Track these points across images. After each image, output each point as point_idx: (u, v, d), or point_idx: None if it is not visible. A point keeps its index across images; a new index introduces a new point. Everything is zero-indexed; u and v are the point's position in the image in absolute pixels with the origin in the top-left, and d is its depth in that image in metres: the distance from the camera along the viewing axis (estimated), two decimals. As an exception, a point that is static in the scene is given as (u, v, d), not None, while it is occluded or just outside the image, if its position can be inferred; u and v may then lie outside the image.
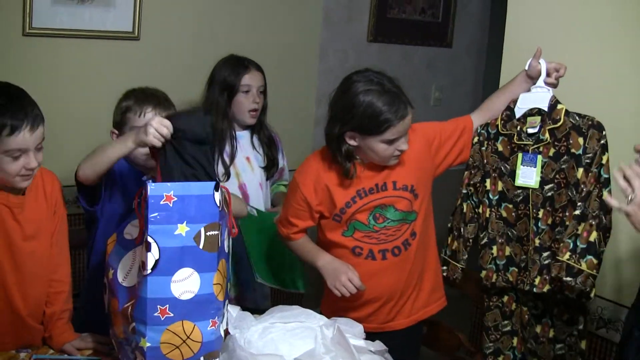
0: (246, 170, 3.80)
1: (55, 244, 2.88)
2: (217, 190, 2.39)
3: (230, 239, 2.63)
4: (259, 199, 3.84)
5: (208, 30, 4.51)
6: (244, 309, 3.21)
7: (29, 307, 2.77)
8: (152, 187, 2.33)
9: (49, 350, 2.73)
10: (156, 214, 2.32)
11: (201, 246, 2.35)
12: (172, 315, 2.32)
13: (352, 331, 2.70)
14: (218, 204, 2.38)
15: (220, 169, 3.63)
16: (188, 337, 2.35)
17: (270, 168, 3.88)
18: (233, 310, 2.71)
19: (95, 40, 4.12)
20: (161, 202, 2.32)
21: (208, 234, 2.36)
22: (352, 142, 3.00)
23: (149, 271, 2.31)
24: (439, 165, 3.24)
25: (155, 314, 2.31)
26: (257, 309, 3.65)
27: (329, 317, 2.87)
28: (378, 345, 2.71)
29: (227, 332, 2.56)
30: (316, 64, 5.08)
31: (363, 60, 5.33)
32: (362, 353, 2.59)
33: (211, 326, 2.38)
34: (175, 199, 2.33)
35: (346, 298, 3.10)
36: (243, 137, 3.82)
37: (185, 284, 2.33)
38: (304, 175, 3.16)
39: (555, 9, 3.54)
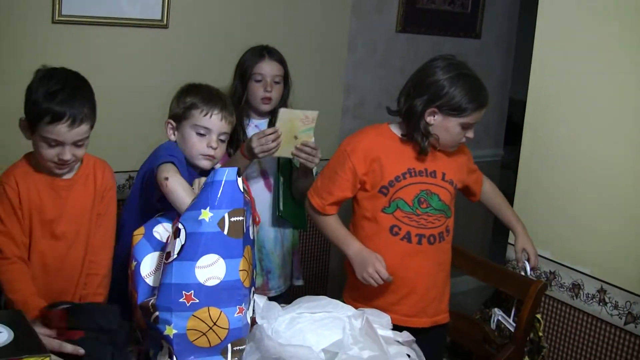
0: (266, 159, 3.75)
1: (101, 226, 2.93)
2: (239, 176, 2.39)
3: (254, 227, 2.62)
4: (276, 184, 3.85)
5: (237, 19, 4.50)
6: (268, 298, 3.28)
7: (62, 287, 2.82)
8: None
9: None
10: None
11: (226, 232, 2.34)
12: (197, 301, 2.31)
13: (380, 322, 2.69)
14: (242, 190, 2.38)
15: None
16: (215, 324, 2.34)
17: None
18: (260, 300, 2.71)
19: (124, 29, 4.11)
20: None
21: (232, 219, 2.35)
22: (431, 120, 3.09)
23: (175, 256, 2.31)
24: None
25: (181, 300, 2.30)
26: (280, 296, 3.76)
27: (351, 303, 2.89)
28: (406, 335, 2.70)
29: (254, 321, 2.56)
30: (344, 54, 5.06)
31: (392, 51, 5.32)
32: (389, 344, 2.58)
33: (238, 313, 2.37)
34: (198, 184, 2.34)
35: (370, 288, 3.13)
36: (262, 125, 3.81)
37: (211, 270, 2.33)
38: (354, 144, 3.22)
39: (587, 2, 3.51)
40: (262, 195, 3.76)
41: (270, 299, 3.02)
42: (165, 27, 4.23)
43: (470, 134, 3.12)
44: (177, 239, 2.32)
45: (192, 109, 3.03)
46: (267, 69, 3.72)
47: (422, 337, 2.84)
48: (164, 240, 2.56)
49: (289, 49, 3.88)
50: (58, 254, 2.80)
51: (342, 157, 3.21)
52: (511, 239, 3.80)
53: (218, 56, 4.38)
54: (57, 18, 3.88)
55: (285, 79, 3.80)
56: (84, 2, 3.95)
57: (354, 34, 5.12)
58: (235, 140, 3.67)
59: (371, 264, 3.09)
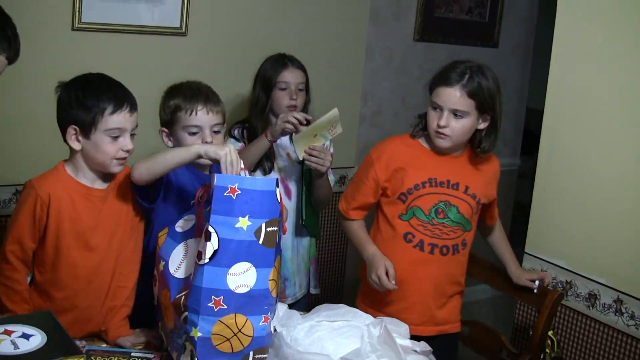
0: (287, 166, 3.84)
1: (131, 239, 2.93)
2: (277, 187, 2.41)
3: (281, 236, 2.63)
4: (298, 194, 3.88)
5: (255, 27, 4.52)
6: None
7: (91, 299, 2.82)
8: (218, 178, 2.36)
9: (102, 344, 2.74)
10: (219, 205, 2.35)
11: (261, 241, 2.37)
12: (225, 307, 2.34)
13: (398, 330, 2.71)
14: (279, 201, 2.40)
15: (264, 164, 3.74)
16: (239, 331, 2.36)
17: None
18: (280, 308, 2.72)
19: (143, 36, 4.14)
20: (225, 194, 2.35)
21: (268, 229, 2.38)
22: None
23: (206, 260, 2.32)
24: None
25: (209, 304, 2.33)
26: (295, 303, 3.81)
27: (362, 309, 2.95)
28: (423, 345, 2.71)
29: (274, 329, 2.58)
30: (362, 62, 5.07)
31: (409, 59, 5.33)
32: (407, 353, 2.59)
33: (263, 321, 2.39)
34: (240, 192, 2.36)
35: (382, 293, 3.20)
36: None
37: (242, 277, 2.35)
38: (379, 152, 3.32)
39: (606, 9, 3.50)
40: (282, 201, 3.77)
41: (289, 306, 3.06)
42: (184, 34, 4.25)
43: (442, 121, 3.12)
44: (209, 243, 2.33)
45: (177, 112, 3.03)
46: (291, 77, 3.77)
47: (431, 345, 2.84)
48: (186, 230, 2.58)
49: (307, 56, 3.91)
50: (90, 265, 2.79)
51: (368, 164, 3.31)
52: (528, 249, 3.81)
53: (236, 64, 4.40)
54: (77, 25, 3.90)
55: (308, 86, 3.85)
56: (103, 9, 3.98)
57: (372, 42, 5.13)
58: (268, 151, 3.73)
59: (377, 269, 3.14)
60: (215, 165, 2.68)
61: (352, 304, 3.21)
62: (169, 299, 2.49)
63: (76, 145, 2.72)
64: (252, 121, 3.81)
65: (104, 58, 4.01)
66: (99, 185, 2.82)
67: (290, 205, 3.84)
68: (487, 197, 3.29)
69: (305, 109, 3.85)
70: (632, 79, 3.37)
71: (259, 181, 2.41)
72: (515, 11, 5.85)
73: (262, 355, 2.43)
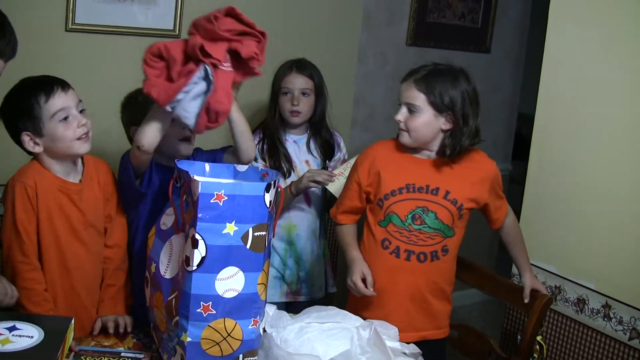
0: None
1: (115, 227, 3.02)
2: (267, 192, 2.40)
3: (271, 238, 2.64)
4: (318, 200, 3.97)
5: (248, 30, 4.53)
6: (298, 303, 3.66)
7: (86, 288, 2.88)
8: (203, 185, 2.34)
9: (92, 342, 2.74)
10: (205, 212, 2.34)
11: (248, 246, 2.37)
12: (214, 312, 2.35)
13: (388, 333, 2.72)
14: (268, 205, 2.40)
15: (283, 168, 3.83)
16: (229, 335, 2.37)
17: None
18: (270, 309, 2.73)
19: (137, 37, 4.13)
20: (211, 201, 2.34)
21: (256, 234, 2.38)
22: None
23: (194, 268, 2.32)
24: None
25: (198, 310, 2.34)
26: (313, 301, 3.89)
27: (353, 312, 2.93)
28: (412, 348, 2.72)
29: (263, 331, 2.59)
30: (355, 66, 5.08)
31: (402, 63, 5.32)
32: (396, 355, 2.60)
33: (252, 325, 2.40)
34: (226, 198, 2.34)
35: (363, 299, 3.21)
36: (300, 142, 3.95)
37: (230, 282, 2.36)
38: (362, 157, 3.34)
39: (598, 16, 3.52)
40: (302, 208, 3.89)
41: (301, 304, 3.11)
42: (178, 36, 4.25)
43: (399, 115, 3.17)
44: (196, 250, 2.33)
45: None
46: (294, 82, 3.83)
47: (425, 347, 2.86)
48: (169, 226, 2.59)
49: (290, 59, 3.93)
50: (77, 253, 2.84)
51: (353, 169, 3.33)
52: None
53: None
54: (70, 26, 3.91)
55: (318, 91, 3.89)
56: (97, 11, 3.98)
57: (364, 47, 5.14)
58: (275, 152, 3.83)
59: (353, 274, 3.18)
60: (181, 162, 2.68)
61: (344, 303, 3.25)
62: (162, 302, 2.50)
63: (37, 149, 2.76)
64: (268, 124, 3.90)
65: (98, 59, 4.02)
66: (73, 178, 2.86)
67: (309, 210, 3.93)
68: (475, 201, 3.24)
69: (316, 113, 3.92)
70: (622, 85, 3.39)
71: (246, 186, 2.40)
72: (508, 17, 5.86)
73: (252, 358, 2.45)
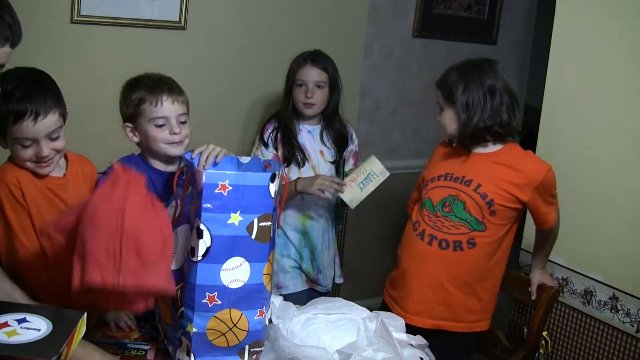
0: (321, 164, 3.93)
1: None
2: (272, 182, 2.38)
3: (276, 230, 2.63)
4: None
5: (253, 22, 4.51)
6: (314, 292, 3.72)
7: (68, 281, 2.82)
8: (207, 175, 2.33)
9: (97, 334, 2.73)
10: (210, 202, 2.32)
11: (253, 236, 2.35)
12: (220, 303, 2.34)
13: (394, 324, 2.71)
14: (273, 196, 2.38)
15: (297, 157, 3.87)
16: (235, 325, 2.36)
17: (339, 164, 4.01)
18: (276, 300, 2.73)
19: (142, 29, 4.12)
20: (216, 191, 2.33)
21: (261, 224, 2.37)
22: None
23: (199, 258, 2.32)
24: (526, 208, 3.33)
25: (204, 301, 2.33)
26: (327, 292, 3.99)
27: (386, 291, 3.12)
28: (419, 339, 2.71)
29: (269, 322, 2.58)
30: (361, 58, 5.07)
31: (408, 55, 5.33)
32: (403, 346, 2.59)
33: (258, 316, 2.39)
34: (230, 188, 2.33)
35: (392, 275, 3.45)
36: (314, 132, 3.96)
37: (235, 272, 2.35)
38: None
39: (605, 8, 3.51)
40: (316, 199, 3.86)
41: (316, 294, 3.14)
42: (183, 28, 4.25)
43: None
44: (201, 240, 2.32)
45: (141, 105, 2.92)
46: (308, 74, 3.83)
47: (430, 339, 2.81)
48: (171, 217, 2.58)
49: (304, 51, 3.91)
50: (55, 250, 2.77)
51: None
52: (525, 245, 3.82)
53: (235, 58, 4.40)
54: (75, 18, 3.89)
55: (332, 84, 3.90)
56: (102, 2, 3.97)
57: (371, 39, 5.13)
58: (288, 143, 3.85)
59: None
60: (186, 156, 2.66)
61: (350, 294, 3.26)
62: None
63: (3, 145, 2.68)
64: (281, 115, 3.92)
65: (103, 52, 4.01)
66: (56, 173, 2.78)
67: (323, 202, 3.91)
68: (509, 200, 3.20)
69: (330, 106, 3.93)
70: (629, 77, 3.38)
71: (251, 176, 2.37)
72: (515, 8, 5.84)
73: (258, 349, 2.43)
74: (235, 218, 2.34)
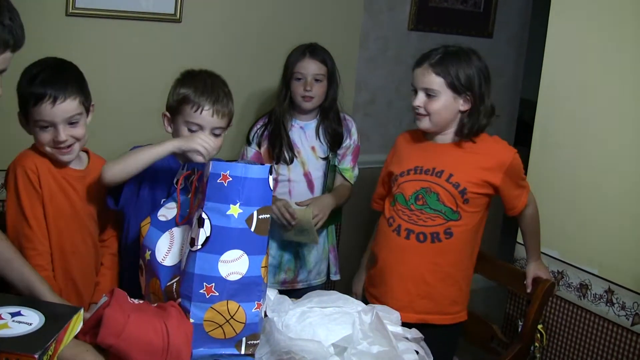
0: (311, 159, 3.90)
1: (110, 217, 3.03)
2: (271, 174, 2.40)
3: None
4: (322, 187, 3.95)
5: (249, 14, 4.50)
6: (295, 291, 3.63)
7: (81, 274, 2.88)
8: (214, 165, 2.36)
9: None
10: (212, 192, 2.35)
11: (253, 229, 2.36)
12: (217, 294, 2.34)
13: (389, 317, 2.71)
14: (272, 187, 2.40)
15: (285, 155, 3.82)
16: (232, 317, 2.35)
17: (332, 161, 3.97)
18: (271, 294, 2.72)
19: (138, 22, 4.11)
20: (218, 181, 2.35)
21: (260, 217, 2.37)
22: None
23: (199, 247, 2.32)
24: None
25: (201, 291, 2.33)
26: (310, 287, 3.91)
27: (366, 289, 3.11)
28: (414, 332, 2.71)
29: (264, 315, 2.58)
30: (356, 51, 5.06)
31: (403, 48, 5.31)
32: (398, 340, 2.59)
33: (256, 308, 2.38)
34: (231, 179, 2.34)
35: (370, 273, 3.42)
36: (309, 127, 3.92)
37: (234, 265, 2.34)
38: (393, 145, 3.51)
39: (600, 3, 3.51)
40: (305, 195, 3.87)
41: (299, 291, 3.11)
42: (179, 21, 4.24)
43: (417, 101, 3.26)
44: (202, 229, 2.33)
45: (183, 103, 2.97)
46: (308, 67, 3.80)
47: (429, 333, 2.83)
48: (169, 218, 2.60)
49: (300, 44, 3.90)
50: (75, 239, 2.85)
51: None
52: (520, 239, 3.82)
53: (231, 51, 4.39)
54: (70, 11, 3.88)
55: (331, 77, 3.88)
56: (98, -6, 3.96)
57: (366, 31, 5.12)
58: (277, 139, 3.81)
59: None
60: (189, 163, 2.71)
61: (346, 287, 3.26)
62: (159, 287, 2.49)
63: (27, 130, 2.77)
64: (276, 109, 3.87)
65: (98, 44, 4.00)
66: (77, 165, 2.87)
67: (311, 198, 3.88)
68: (484, 187, 3.22)
69: (328, 99, 3.90)
70: (625, 71, 3.38)
71: (252, 169, 2.38)
72: (511, 1, 5.83)
73: (255, 342, 2.43)
74: (235, 210, 2.34)
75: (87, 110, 2.82)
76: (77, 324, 2.10)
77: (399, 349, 2.54)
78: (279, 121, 3.83)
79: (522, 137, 5.90)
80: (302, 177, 3.86)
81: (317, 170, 3.89)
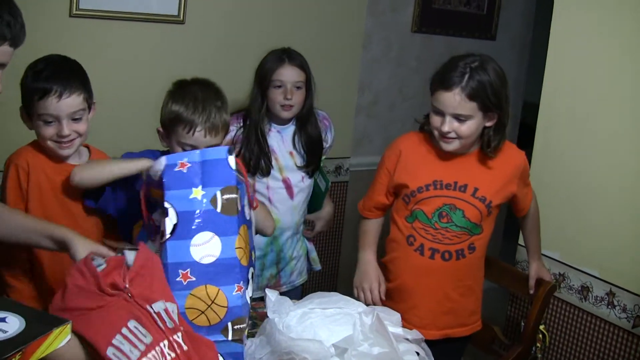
0: (289, 165, 3.76)
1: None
2: (230, 154, 2.42)
3: (251, 211, 2.64)
4: (302, 193, 3.83)
5: (253, 16, 4.51)
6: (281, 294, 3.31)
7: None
8: (168, 158, 2.41)
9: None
10: (170, 180, 2.37)
11: (219, 209, 2.38)
12: (194, 279, 2.34)
13: (390, 319, 2.70)
14: (233, 167, 2.42)
15: (261, 164, 3.67)
16: (213, 302, 2.34)
17: (309, 168, 3.82)
18: (272, 295, 2.73)
19: (141, 23, 4.13)
20: (175, 169, 2.38)
21: (225, 197, 2.39)
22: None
23: (167, 236, 2.34)
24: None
25: (178, 279, 2.33)
26: (294, 289, 3.86)
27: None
28: (415, 334, 2.71)
29: (265, 315, 2.58)
30: (359, 52, 5.07)
31: (406, 50, 5.33)
32: (399, 341, 2.59)
33: (237, 291, 2.38)
34: (189, 164, 2.38)
35: (387, 287, 3.23)
36: (286, 132, 3.78)
37: (206, 247, 2.36)
38: (390, 148, 3.26)
39: (603, 4, 3.51)
40: (285, 201, 3.77)
41: (283, 293, 3.07)
42: (182, 22, 4.25)
43: (446, 126, 2.98)
44: (167, 218, 2.35)
45: (175, 124, 2.88)
46: (288, 75, 3.64)
47: (434, 349, 2.74)
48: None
49: (304, 46, 3.88)
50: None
51: (381, 161, 3.27)
52: (521, 241, 3.82)
53: (234, 52, 4.40)
54: (74, 12, 3.89)
55: (308, 84, 3.72)
56: (101, -4, 3.97)
57: (369, 33, 5.13)
58: (257, 145, 3.65)
59: (369, 282, 3.20)
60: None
61: (346, 288, 3.24)
62: None
63: (29, 126, 2.80)
64: (251, 116, 3.70)
65: (102, 45, 4.01)
66: (77, 160, 2.88)
67: (291, 204, 3.78)
68: (504, 197, 3.15)
69: (305, 107, 3.74)
70: (627, 74, 3.38)
71: (208, 151, 2.42)
72: (514, 4, 5.84)
73: (241, 326, 2.41)
74: (197, 192, 2.37)
75: (89, 108, 2.84)
76: (61, 336, 2.00)
77: (400, 350, 2.54)
78: (257, 130, 3.67)
79: (524, 140, 5.91)
80: (280, 182, 3.73)
81: (295, 176, 3.77)
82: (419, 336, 2.71)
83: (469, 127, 3.00)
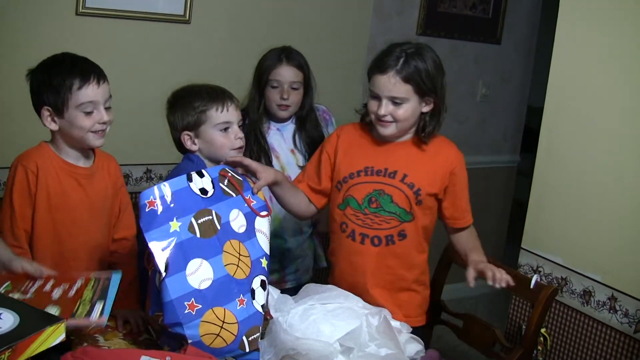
0: (291, 163, 3.78)
1: (119, 213, 3.02)
2: (191, 181, 2.48)
3: (262, 219, 2.68)
4: None
5: (258, 16, 4.53)
6: (284, 290, 3.32)
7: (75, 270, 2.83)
8: (140, 197, 2.41)
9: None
10: (147, 222, 2.38)
11: (199, 235, 2.42)
12: (200, 306, 2.36)
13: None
14: (198, 192, 2.47)
15: (262, 162, 3.60)
16: (224, 322, 2.38)
17: None
18: (274, 292, 2.74)
19: (147, 23, 4.14)
20: (147, 210, 2.39)
21: (200, 221, 2.44)
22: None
23: (164, 275, 2.34)
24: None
25: (186, 312, 2.34)
26: (299, 285, 3.73)
27: None
28: (407, 327, 2.73)
29: (268, 314, 2.59)
30: (364, 55, 5.08)
31: (411, 53, 5.32)
32: (408, 343, 2.61)
33: (240, 305, 2.41)
34: (157, 200, 2.39)
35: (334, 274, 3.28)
36: (286, 130, 3.80)
37: (200, 273, 2.39)
38: (329, 137, 3.34)
39: (608, 8, 3.51)
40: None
41: (287, 290, 3.08)
42: (188, 22, 4.26)
43: (382, 109, 3.02)
44: (156, 258, 2.35)
45: (207, 111, 3.03)
46: (284, 74, 3.66)
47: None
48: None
49: (310, 47, 3.90)
50: (75, 243, 2.84)
51: (320, 145, 3.35)
52: (524, 245, 3.82)
53: (240, 52, 4.41)
54: (80, 10, 3.92)
55: (306, 83, 3.74)
56: (108, -6, 3.99)
57: (375, 35, 5.13)
58: (257, 145, 3.68)
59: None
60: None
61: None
62: (148, 309, 2.50)
63: (53, 126, 2.77)
64: (250, 115, 3.71)
65: (108, 44, 4.03)
66: (83, 163, 2.87)
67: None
68: (435, 188, 3.15)
69: (303, 107, 3.77)
70: (632, 77, 3.38)
71: (170, 183, 2.44)
72: (519, 8, 5.85)
73: (255, 335, 2.44)
74: (175, 225, 2.40)
75: None
76: (54, 334, 2.04)
77: (407, 351, 2.56)
78: (255, 129, 3.72)
79: (528, 144, 5.92)
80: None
81: (296, 174, 3.65)
82: (409, 327, 2.75)
83: (405, 111, 3.04)
